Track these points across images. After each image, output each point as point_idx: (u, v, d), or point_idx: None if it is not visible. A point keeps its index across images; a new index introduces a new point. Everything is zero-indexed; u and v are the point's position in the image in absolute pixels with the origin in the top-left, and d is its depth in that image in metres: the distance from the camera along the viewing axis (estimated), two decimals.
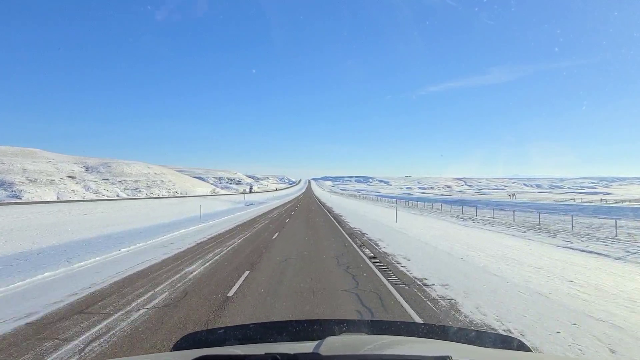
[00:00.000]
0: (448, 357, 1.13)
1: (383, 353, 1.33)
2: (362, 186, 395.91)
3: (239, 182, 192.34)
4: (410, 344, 1.58)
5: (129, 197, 71.10)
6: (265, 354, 1.16)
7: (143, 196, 75.03)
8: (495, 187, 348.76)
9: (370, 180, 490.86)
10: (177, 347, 1.68)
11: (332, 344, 1.35)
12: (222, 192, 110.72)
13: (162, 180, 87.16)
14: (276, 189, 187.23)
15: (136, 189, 78.80)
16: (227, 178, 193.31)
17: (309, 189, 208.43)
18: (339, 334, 1.68)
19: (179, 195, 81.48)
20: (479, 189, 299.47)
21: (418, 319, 5.76)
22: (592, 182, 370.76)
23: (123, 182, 79.44)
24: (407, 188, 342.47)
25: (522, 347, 1.65)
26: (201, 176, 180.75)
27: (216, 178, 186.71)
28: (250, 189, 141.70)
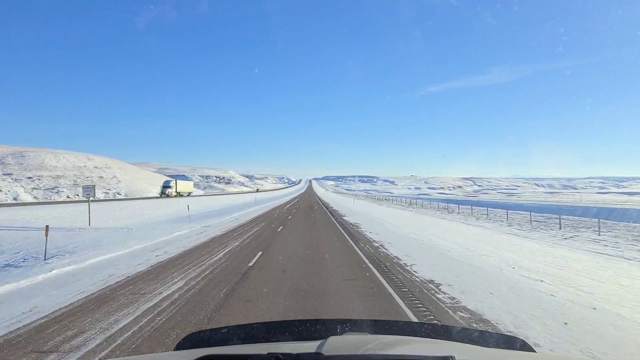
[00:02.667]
0: (451, 357, 1.11)
1: (386, 353, 1.30)
2: (366, 186, 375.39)
3: (229, 182, 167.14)
4: (413, 343, 1.55)
5: (35, 201, 45.78)
6: (268, 353, 1.15)
7: (61, 199, 49.69)
8: (507, 187, 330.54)
9: (375, 180, 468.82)
10: (180, 346, 1.64)
11: (335, 343, 1.33)
12: (196, 192, 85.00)
13: (101, 177, 61.59)
14: (257, 190, 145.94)
15: (53, 188, 53.24)
16: (215, 176, 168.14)
17: (310, 189, 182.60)
18: (341, 334, 1.64)
19: (120, 197, 56.02)
20: (491, 189, 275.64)
21: None
22: (602, 182, 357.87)
23: (35, 178, 53.82)
24: (416, 188, 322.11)
25: (525, 347, 1.61)
26: (184, 174, 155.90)
27: (202, 176, 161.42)
28: (164, 190, 60.30)
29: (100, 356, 4.05)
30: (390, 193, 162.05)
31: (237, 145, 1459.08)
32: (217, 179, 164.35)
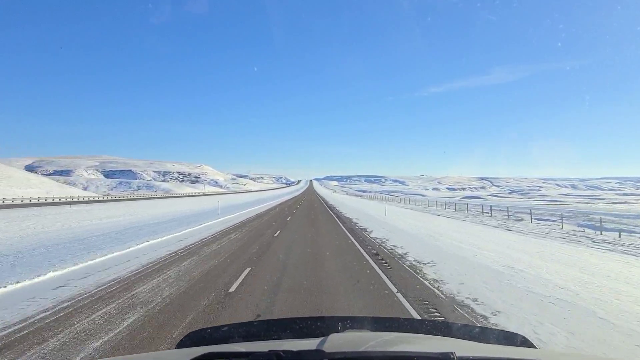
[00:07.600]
0: (452, 353, 1.12)
1: (386, 350, 1.31)
2: (375, 187, 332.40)
3: (196, 179, 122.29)
4: (414, 340, 1.57)
5: None
6: (269, 351, 1.15)
7: None
8: (528, 188, 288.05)
9: (383, 180, 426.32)
10: (182, 344, 1.66)
11: (336, 340, 1.35)
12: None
13: None
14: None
15: None
16: (178, 172, 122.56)
17: (311, 191, 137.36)
18: (342, 331, 1.66)
19: None
20: (512, 191, 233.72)
21: None
22: (619, 183, 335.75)
23: None
24: (434, 189, 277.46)
25: (525, 343, 1.62)
26: (131, 170, 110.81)
27: (158, 172, 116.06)
28: None
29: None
30: (422, 195, 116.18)
31: (238, 146, 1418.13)
32: (181, 176, 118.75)
